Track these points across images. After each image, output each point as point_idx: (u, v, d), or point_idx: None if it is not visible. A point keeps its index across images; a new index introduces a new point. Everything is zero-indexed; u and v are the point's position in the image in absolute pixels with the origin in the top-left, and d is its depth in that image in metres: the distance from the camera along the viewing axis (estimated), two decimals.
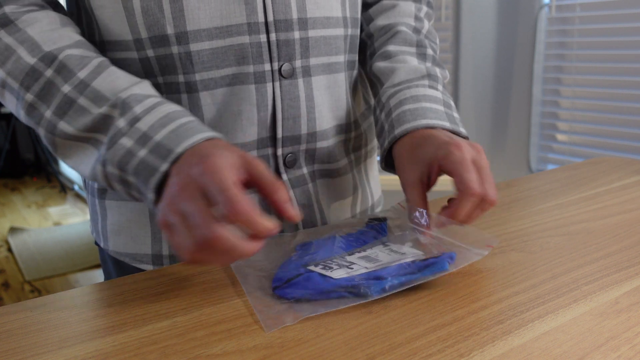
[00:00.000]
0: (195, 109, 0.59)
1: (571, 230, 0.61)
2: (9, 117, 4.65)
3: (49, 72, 0.53)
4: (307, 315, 0.44)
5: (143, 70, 0.59)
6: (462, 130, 0.62)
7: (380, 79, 0.68)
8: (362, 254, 0.54)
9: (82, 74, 0.53)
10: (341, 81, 0.66)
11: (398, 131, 0.60)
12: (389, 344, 0.40)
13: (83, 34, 0.62)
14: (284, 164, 0.63)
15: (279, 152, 0.62)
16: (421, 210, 0.56)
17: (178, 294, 0.49)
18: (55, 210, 3.90)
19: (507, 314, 0.44)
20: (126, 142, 0.50)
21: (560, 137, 2.11)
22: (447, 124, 0.60)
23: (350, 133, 0.69)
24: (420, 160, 0.57)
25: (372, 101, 0.76)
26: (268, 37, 0.58)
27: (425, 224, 0.55)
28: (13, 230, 3.45)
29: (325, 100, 0.64)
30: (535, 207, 0.69)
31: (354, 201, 0.72)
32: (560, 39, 2.04)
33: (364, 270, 0.49)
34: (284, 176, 0.63)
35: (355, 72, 0.70)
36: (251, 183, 0.46)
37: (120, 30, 0.58)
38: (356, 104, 0.71)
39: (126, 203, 0.64)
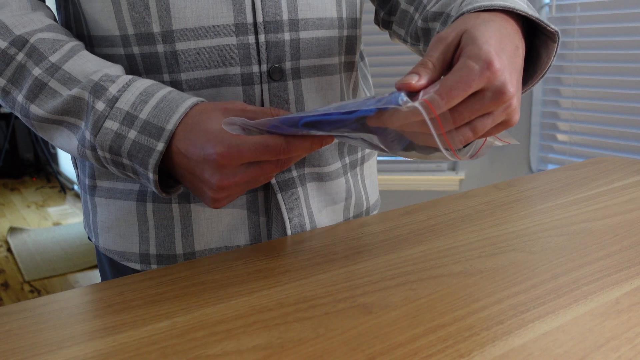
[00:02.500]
0: None
1: (571, 230, 0.61)
2: (9, 117, 4.65)
3: (20, 56, 0.53)
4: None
5: (129, 67, 0.59)
6: (548, 24, 0.50)
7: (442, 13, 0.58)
8: (340, 103, 0.48)
9: (53, 58, 0.53)
10: (335, 83, 0.64)
11: (466, 8, 0.49)
12: (389, 344, 0.40)
13: (68, 25, 0.62)
14: None
15: None
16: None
17: (178, 294, 0.49)
18: (54, 211, 3.90)
19: (507, 314, 0.44)
20: (111, 124, 0.50)
21: (560, 137, 2.11)
22: (524, 8, 0.48)
23: None
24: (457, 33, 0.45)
25: None
26: (257, 39, 0.57)
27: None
28: (12, 230, 3.45)
29: (315, 103, 0.63)
30: (535, 207, 0.69)
31: (347, 206, 0.70)
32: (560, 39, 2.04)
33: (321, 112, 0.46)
34: (272, 179, 0.62)
35: (354, 72, 0.69)
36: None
37: (107, 25, 0.57)
38: None
39: (115, 201, 0.63)
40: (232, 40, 0.56)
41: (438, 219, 0.66)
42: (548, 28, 0.50)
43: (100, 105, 0.51)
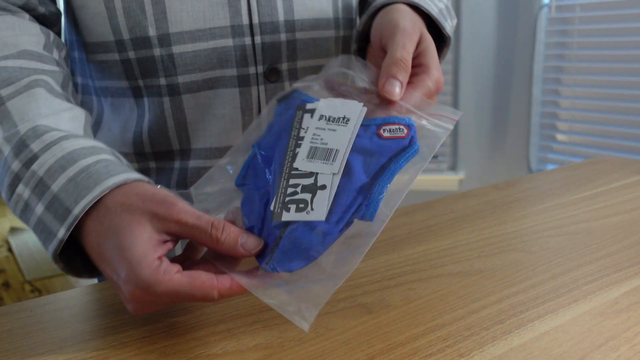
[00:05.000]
0: (177, 112, 0.58)
1: (571, 230, 0.61)
2: None
3: None
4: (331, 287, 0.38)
5: (124, 72, 0.58)
6: (446, 23, 0.55)
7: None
8: (304, 149, 0.42)
9: (4, 91, 0.45)
10: None
11: (374, 4, 0.54)
12: (389, 344, 0.40)
13: (65, 44, 0.58)
14: None
15: None
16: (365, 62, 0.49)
17: None
18: None
19: (507, 314, 0.44)
20: (22, 190, 0.41)
21: (560, 137, 2.11)
22: (428, 4, 0.54)
23: None
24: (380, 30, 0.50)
25: None
26: (253, 40, 0.57)
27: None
28: (13, 230, 3.45)
29: None
30: (535, 207, 0.69)
31: None
32: (560, 39, 2.04)
33: (333, 181, 0.40)
34: None
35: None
36: (181, 235, 0.39)
37: (102, 31, 0.56)
38: None
39: None
40: (229, 42, 0.56)
41: (437, 219, 0.66)
42: (444, 33, 0.57)
43: (17, 166, 0.41)
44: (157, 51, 0.56)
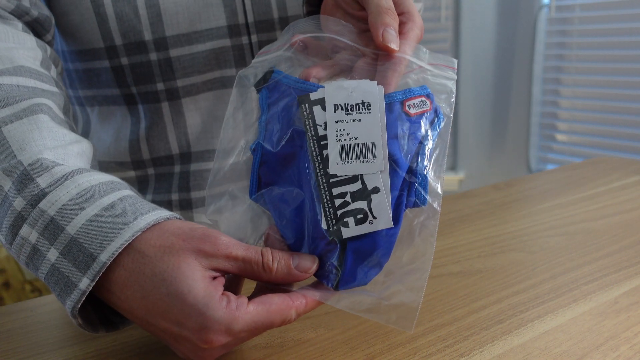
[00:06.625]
0: (177, 116, 0.57)
1: (571, 230, 0.61)
2: None
3: None
4: None
5: (115, 80, 0.56)
6: None
7: None
8: (333, 150, 0.37)
9: (1, 113, 0.39)
10: None
11: None
12: (389, 344, 0.40)
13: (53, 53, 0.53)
14: None
15: None
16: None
17: None
18: None
19: (507, 314, 0.44)
20: (28, 233, 0.35)
21: (559, 137, 2.12)
22: None
23: None
24: None
25: None
26: (250, 39, 0.57)
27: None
28: None
29: None
30: (534, 207, 0.69)
31: None
32: (559, 39, 2.04)
33: (384, 180, 0.36)
34: None
35: None
36: (230, 270, 0.35)
37: (90, 38, 0.54)
38: None
39: None
40: (227, 42, 0.56)
41: None
42: None
43: (20, 203, 0.35)
44: (153, 56, 0.55)
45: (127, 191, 0.37)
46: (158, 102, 0.57)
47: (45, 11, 0.53)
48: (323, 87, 0.38)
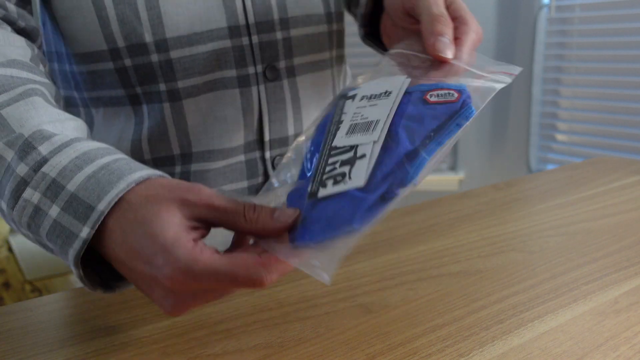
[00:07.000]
0: (179, 117, 0.58)
1: (571, 230, 0.61)
2: None
3: None
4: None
5: (120, 81, 0.57)
6: None
7: None
8: (343, 128, 0.39)
9: None
10: (328, 78, 0.65)
11: None
12: (389, 344, 0.40)
13: (47, 42, 0.56)
14: (272, 166, 0.62)
15: (267, 155, 0.62)
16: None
17: None
18: None
19: (507, 314, 0.44)
20: (31, 195, 0.37)
21: (559, 137, 2.12)
22: None
23: None
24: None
25: None
26: (250, 40, 0.57)
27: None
28: (14, 230, 3.45)
29: (311, 99, 0.63)
30: (534, 207, 0.69)
31: None
32: (559, 39, 2.04)
33: (374, 150, 0.37)
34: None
35: (344, 65, 0.69)
36: (212, 221, 0.36)
37: (93, 40, 0.55)
38: None
39: None
40: (227, 43, 0.56)
41: (437, 219, 0.66)
42: None
43: (22, 169, 0.37)
44: (154, 57, 0.55)
45: (123, 155, 0.39)
46: (160, 102, 0.57)
47: (33, 23, 0.53)
48: (361, 87, 0.42)
